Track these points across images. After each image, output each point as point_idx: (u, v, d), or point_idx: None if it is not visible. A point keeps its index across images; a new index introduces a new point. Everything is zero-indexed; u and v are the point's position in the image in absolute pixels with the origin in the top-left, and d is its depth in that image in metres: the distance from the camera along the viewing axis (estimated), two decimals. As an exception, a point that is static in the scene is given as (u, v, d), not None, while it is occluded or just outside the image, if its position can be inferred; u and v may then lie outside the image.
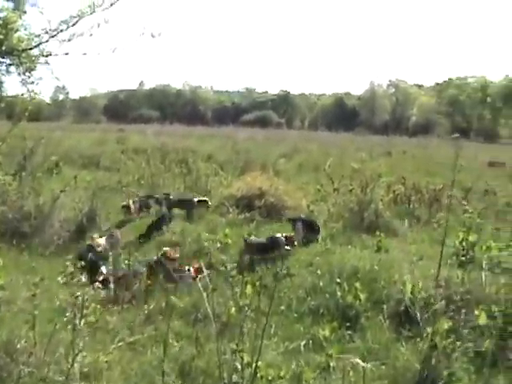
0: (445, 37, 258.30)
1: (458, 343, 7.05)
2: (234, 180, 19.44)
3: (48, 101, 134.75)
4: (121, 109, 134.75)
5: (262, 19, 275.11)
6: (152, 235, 13.45)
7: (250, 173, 19.79)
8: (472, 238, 9.59)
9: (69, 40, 9.16)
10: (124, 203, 16.17)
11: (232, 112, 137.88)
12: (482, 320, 7.23)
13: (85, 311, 6.31)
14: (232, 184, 18.39)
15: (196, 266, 10.36)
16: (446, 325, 6.93)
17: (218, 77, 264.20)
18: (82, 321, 6.30)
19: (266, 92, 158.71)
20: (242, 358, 6.01)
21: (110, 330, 8.26)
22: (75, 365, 6.26)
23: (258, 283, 7.81)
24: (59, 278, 9.10)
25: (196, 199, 16.40)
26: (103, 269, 10.58)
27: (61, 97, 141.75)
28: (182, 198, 16.83)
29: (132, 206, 16.04)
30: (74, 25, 8.84)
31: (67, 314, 6.52)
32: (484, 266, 9.15)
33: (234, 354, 6.08)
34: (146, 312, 8.95)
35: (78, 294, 6.30)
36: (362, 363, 6.22)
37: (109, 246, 11.96)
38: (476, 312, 7.33)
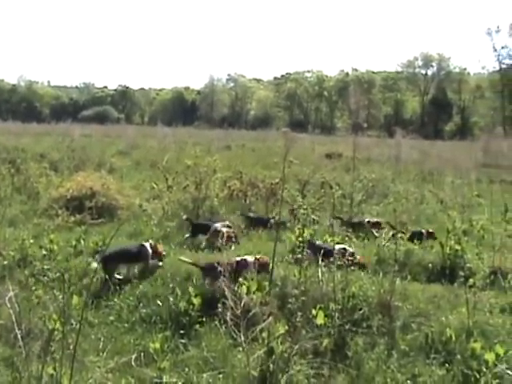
0: (282, 32, 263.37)
1: (296, 346, 6.77)
2: (66, 180, 18.43)
3: None
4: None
5: (97, 11, 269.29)
6: None
7: (83, 172, 18.95)
8: (307, 233, 9.36)
9: None
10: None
11: (70, 108, 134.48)
12: (320, 319, 7.04)
13: None
14: (63, 184, 17.39)
15: None
16: (282, 328, 6.63)
17: (55, 72, 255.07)
18: None
19: (105, 87, 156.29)
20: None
21: None
22: None
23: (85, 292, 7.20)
24: None
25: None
26: None
27: None
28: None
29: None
30: None
31: None
32: (320, 261, 8.95)
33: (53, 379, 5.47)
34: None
35: None
36: None
37: None
38: (313, 311, 7.14)
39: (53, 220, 14.56)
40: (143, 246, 10.31)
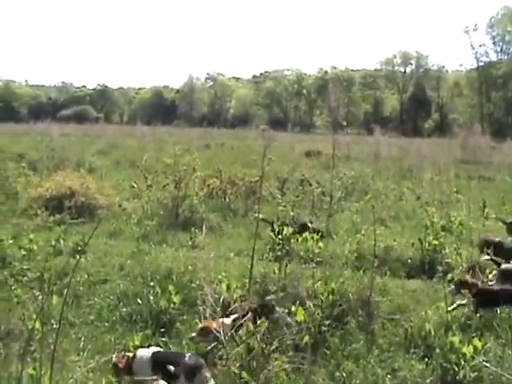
0: (261, 30, 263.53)
1: (276, 343, 6.80)
2: (45, 180, 18.32)
3: None
4: None
5: (75, 10, 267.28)
6: None
7: (63, 171, 18.87)
8: (287, 230, 9.41)
9: None
10: None
11: (49, 108, 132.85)
12: (300, 316, 7.07)
13: None
14: (42, 184, 17.30)
15: None
16: (262, 325, 6.65)
17: (33, 70, 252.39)
18: None
19: (84, 86, 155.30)
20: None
21: None
22: None
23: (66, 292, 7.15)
24: None
25: None
26: None
27: None
28: None
29: None
30: None
31: None
32: (300, 258, 9.01)
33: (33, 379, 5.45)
34: None
35: None
36: None
37: None
38: (293, 308, 7.18)
39: (32, 220, 14.47)
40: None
